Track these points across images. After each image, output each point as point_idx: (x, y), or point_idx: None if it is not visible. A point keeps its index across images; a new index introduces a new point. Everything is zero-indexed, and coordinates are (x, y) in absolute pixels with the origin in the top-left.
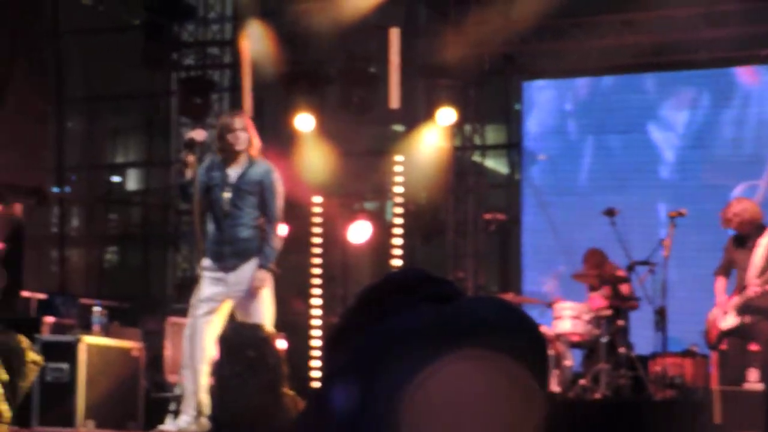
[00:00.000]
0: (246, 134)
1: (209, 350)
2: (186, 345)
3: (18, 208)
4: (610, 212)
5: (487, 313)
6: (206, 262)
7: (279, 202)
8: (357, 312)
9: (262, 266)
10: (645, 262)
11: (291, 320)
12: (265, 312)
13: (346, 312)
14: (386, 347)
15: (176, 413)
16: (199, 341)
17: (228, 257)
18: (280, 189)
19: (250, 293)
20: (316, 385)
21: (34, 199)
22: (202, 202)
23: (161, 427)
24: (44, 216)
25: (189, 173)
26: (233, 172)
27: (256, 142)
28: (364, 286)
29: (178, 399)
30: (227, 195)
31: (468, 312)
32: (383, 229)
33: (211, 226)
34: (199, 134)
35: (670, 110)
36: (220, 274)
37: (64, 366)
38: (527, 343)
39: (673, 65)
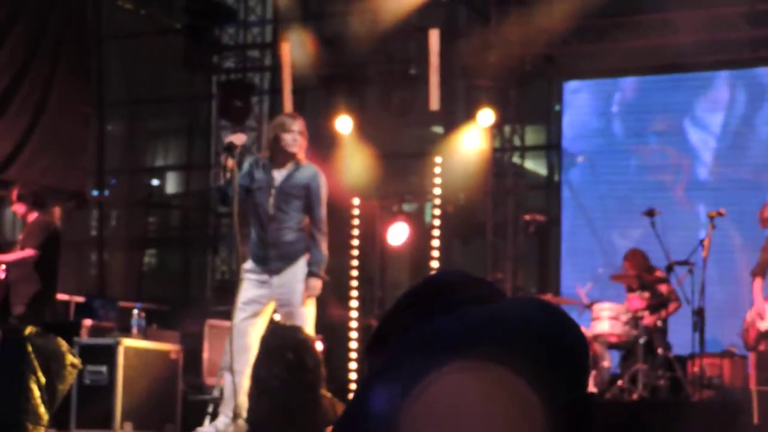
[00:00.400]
0: (301, 138)
1: (252, 353)
2: (228, 347)
3: (57, 213)
4: (650, 213)
5: (530, 315)
6: (249, 264)
7: (324, 207)
8: (397, 314)
9: (313, 274)
10: (684, 262)
11: (329, 322)
12: (308, 316)
13: (386, 315)
14: (428, 350)
15: (214, 415)
16: (242, 344)
17: (272, 260)
18: (324, 194)
19: (299, 300)
20: (354, 387)
21: (74, 202)
22: (242, 205)
23: (199, 429)
24: (84, 219)
25: (227, 176)
26: (278, 175)
27: (305, 146)
28: (404, 289)
29: (216, 401)
30: (272, 198)
31: (510, 313)
32: (422, 231)
33: (254, 229)
34: (238, 138)
35: (709, 110)
36: (264, 277)
37: (103, 369)
38: (569, 344)
39: (714, 65)
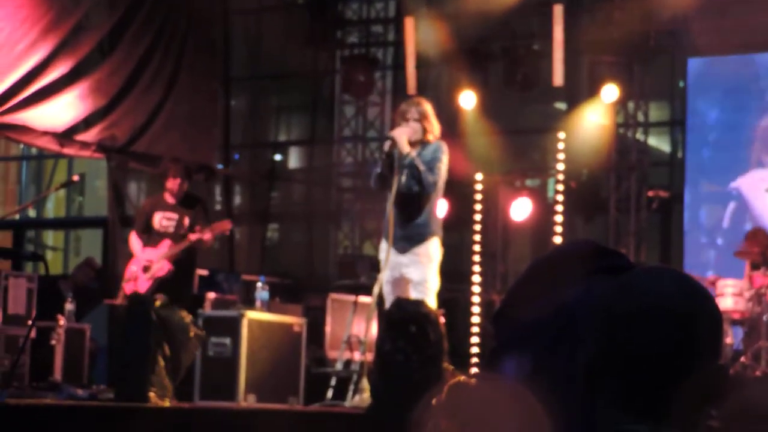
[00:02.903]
0: (419, 125)
1: None
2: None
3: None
4: None
5: (663, 287)
6: (382, 243)
7: (441, 170)
8: (527, 284)
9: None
10: None
11: (451, 297)
12: (430, 290)
13: (516, 284)
14: (558, 322)
15: (336, 388)
16: None
17: (399, 239)
18: (443, 160)
19: (422, 277)
20: (477, 361)
21: (203, 175)
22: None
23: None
24: (207, 193)
25: (389, 163)
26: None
27: (435, 128)
28: (526, 265)
29: (339, 375)
30: (403, 178)
31: (642, 286)
32: (544, 207)
33: (387, 208)
34: (406, 131)
35: None
36: (393, 257)
37: (227, 341)
38: (703, 312)
39: None
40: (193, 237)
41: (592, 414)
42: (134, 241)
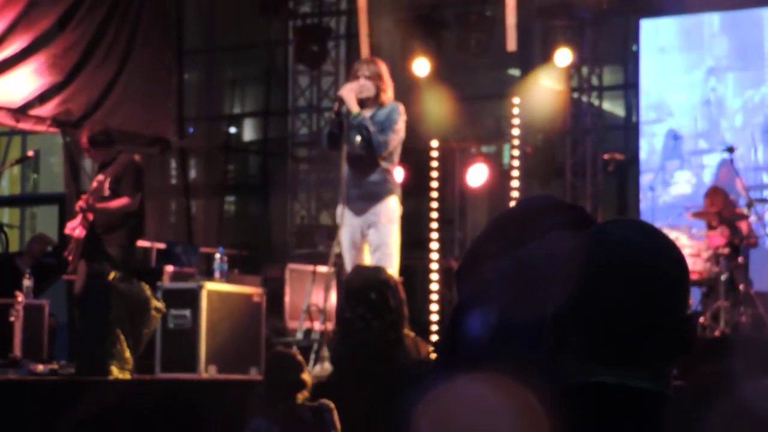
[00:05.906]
0: (370, 82)
1: None
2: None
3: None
4: (729, 149)
5: (629, 237)
6: (339, 208)
7: (393, 136)
8: (487, 240)
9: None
10: (764, 200)
11: (409, 264)
12: (393, 254)
13: (476, 240)
14: (527, 274)
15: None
16: None
17: (355, 200)
18: (399, 122)
19: (384, 240)
20: (436, 328)
21: (158, 148)
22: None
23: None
24: (162, 167)
25: (339, 122)
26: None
27: (389, 89)
28: (495, 214)
29: (299, 344)
30: (356, 138)
31: (608, 237)
32: (500, 172)
33: (344, 169)
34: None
35: None
36: (350, 219)
37: (186, 312)
38: (671, 261)
39: None
40: (77, 206)
41: (560, 367)
42: None
